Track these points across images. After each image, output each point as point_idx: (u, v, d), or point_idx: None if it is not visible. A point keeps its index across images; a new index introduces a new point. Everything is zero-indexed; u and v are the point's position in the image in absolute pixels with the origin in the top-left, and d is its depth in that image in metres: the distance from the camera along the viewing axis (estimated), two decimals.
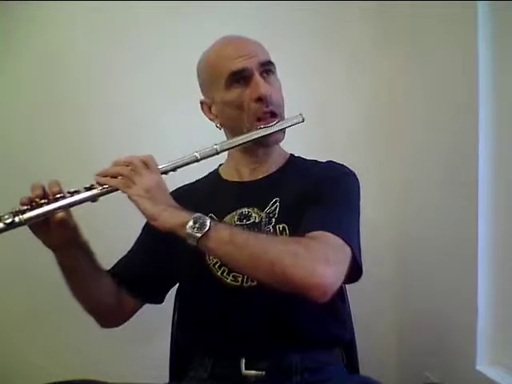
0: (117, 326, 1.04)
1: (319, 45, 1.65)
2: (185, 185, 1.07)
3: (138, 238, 1.05)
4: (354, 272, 0.86)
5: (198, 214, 0.79)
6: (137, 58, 1.59)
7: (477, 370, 1.21)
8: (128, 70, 1.59)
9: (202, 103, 1.03)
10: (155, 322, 1.20)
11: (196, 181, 1.08)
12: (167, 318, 1.14)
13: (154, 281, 1.03)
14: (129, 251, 1.06)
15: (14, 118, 1.59)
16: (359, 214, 0.95)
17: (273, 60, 0.99)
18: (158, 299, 1.07)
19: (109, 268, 1.03)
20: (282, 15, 1.63)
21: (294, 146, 1.07)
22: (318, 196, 0.91)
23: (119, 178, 0.84)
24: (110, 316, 1.01)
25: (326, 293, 0.76)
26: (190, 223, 0.78)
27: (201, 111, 1.04)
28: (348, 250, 0.83)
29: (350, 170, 1.01)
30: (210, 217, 0.93)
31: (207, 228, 0.78)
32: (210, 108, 1.02)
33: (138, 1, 1.55)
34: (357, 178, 1.00)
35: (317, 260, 0.76)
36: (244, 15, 1.60)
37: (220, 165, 1.10)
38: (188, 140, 1.54)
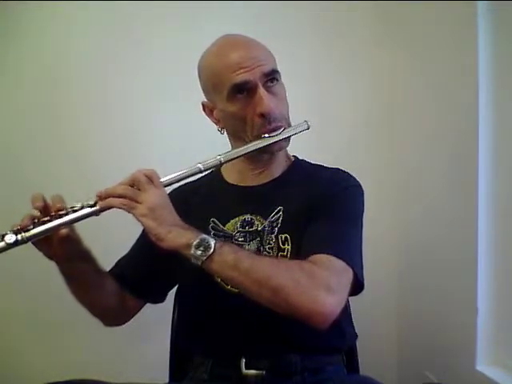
0: (121, 324, 1.04)
1: (319, 45, 1.65)
2: (185, 183, 1.05)
3: (139, 238, 1.05)
4: (356, 288, 0.88)
5: (204, 236, 0.79)
6: (137, 58, 1.59)
7: (477, 370, 1.21)
8: (128, 70, 1.59)
9: (203, 105, 1.02)
10: (155, 321, 1.20)
11: (197, 179, 1.06)
12: (167, 317, 1.14)
13: (154, 281, 1.03)
14: (129, 251, 1.06)
15: (13, 117, 1.58)
16: (362, 226, 0.95)
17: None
18: (159, 299, 1.07)
19: (109, 267, 1.03)
20: (281, 15, 1.63)
21: (295, 146, 1.07)
22: (322, 210, 0.91)
23: (122, 199, 0.83)
24: (113, 316, 1.02)
25: (327, 320, 0.78)
26: (195, 244, 0.78)
27: (202, 112, 1.02)
28: (350, 273, 0.84)
29: (355, 180, 1.00)
30: (214, 235, 0.95)
31: (212, 251, 0.78)
32: (211, 111, 1.00)
33: (138, 1, 1.55)
34: (362, 190, 0.99)
35: (319, 288, 0.78)
36: (244, 15, 1.59)
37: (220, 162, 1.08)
38: (187, 141, 1.56)
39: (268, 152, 0.96)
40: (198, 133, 1.35)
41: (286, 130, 0.93)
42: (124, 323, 1.04)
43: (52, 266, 0.89)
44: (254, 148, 0.93)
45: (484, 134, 1.19)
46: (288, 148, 1.05)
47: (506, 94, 1.16)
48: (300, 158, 1.09)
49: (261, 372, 0.91)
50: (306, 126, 0.96)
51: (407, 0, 1.51)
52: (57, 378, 0.84)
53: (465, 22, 1.22)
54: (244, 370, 0.92)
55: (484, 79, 1.17)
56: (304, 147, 1.10)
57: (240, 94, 0.91)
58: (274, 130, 0.92)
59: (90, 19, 1.58)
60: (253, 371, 0.91)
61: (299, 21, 1.64)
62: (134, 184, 0.84)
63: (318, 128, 1.58)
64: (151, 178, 0.85)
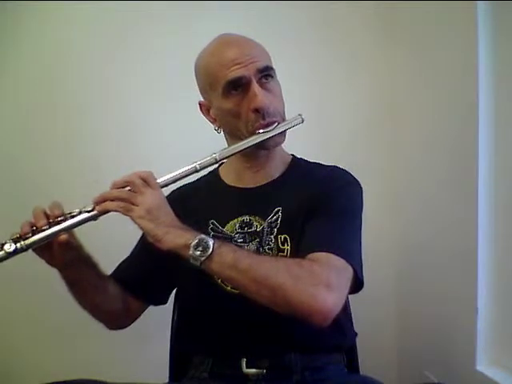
0: (124, 327, 1.05)
1: (319, 44, 1.65)
2: (184, 185, 1.06)
3: (138, 241, 1.05)
4: (355, 285, 0.88)
5: (202, 236, 0.79)
6: (136, 58, 1.59)
7: (477, 370, 1.21)
8: (127, 70, 1.59)
9: (200, 105, 1.02)
10: (155, 322, 1.20)
11: (196, 180, 1.07)
12: (167, 318, 1.14)
13: (155, 283, 1.03)
14: (130, 254, 1.07)
15: (13, 118, 1.58)
16: (361, 223, 0.95)
17: (273, 60, 0.98)
18: (162, 300, 1.07)
19: (110, 271, 1.03)
20: (281, 15, 1.63)
21: (295, 147, 1.07)
22: (321, 208, 0.91)
23: (119, 202, 0.83)
24: (117, 319, 1.02)
25: (327, 318, 0.78)
26: (194, 245, 0.78)
27: (199, 112, 1.03)
28: (350, 270, 0.84)
29: (353, 177, 1.00)
30: (213, 236, 0.94)
31: (210, 251, 0.78)
32: (208, 110, 1.00)
33: (138, 1, 1.55)
34: (360, 187, 0.99)
35: (318, 285, 0.77)
36: (244, 15, 1.59)
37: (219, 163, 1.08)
38: (188, 140, 1.56)
39: (264, 148, 0.96)
40: (197, 132, 1.35)
41: (280, 125, 0.93)
42: (127, 326, 1.05)
43: (52, 267, 0.89)
44: (249, 144, 0.92)
45: (484, 134, 1.18)
46: (288, 147, 1.05)
47: (506, 93, 1.16)
48: (298, 156, 1.09)
49: (261, 371, 0.91)
50: (300, 120, 0.95)
51: (407, 0, 1.51)
52: (57, 377, 0.84)
53: (465, 22, 1.22)
54: (245, 369, 0.92)
55: (484, 79, 1.17)
56: (304, 147, 1.11)
57: (235, 90, 0.91)
58: (269, 125, 0.92)
59: (90, 19, 1.58)
60: (253, 370, 0.92)
61: (299, 21, 1.64)
62: (130, 186, 0.84)
63: (318, 128, 1.60)
64: (147, 180, 0.85)
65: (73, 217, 0.83)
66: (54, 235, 0.82)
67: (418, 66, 1.51)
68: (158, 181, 0.87)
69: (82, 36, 1.57)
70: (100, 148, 1.59)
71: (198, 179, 1.08)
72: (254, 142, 0.92)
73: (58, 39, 1.58)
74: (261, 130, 0.92)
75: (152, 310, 1.08)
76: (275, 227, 0.95)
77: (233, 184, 1.04)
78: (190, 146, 1.47)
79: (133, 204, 0.82)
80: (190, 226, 0.84)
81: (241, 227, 0.97)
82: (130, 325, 1.05)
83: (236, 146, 0.93)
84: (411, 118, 1.59)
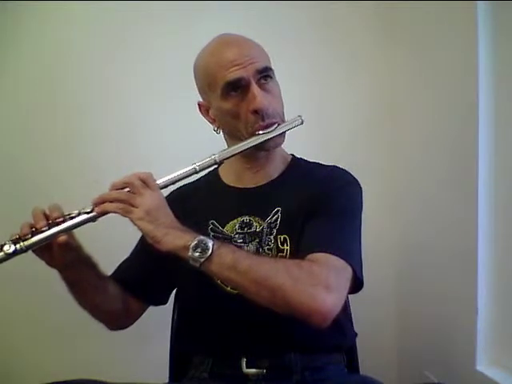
0: (125, 327, 1.05)
1: (319, 45, 1.65)
2: (184, 185, 1.05)
3: (138, 241, 1.05)
4: (355, 286, 0.88)
5: (201, 237, 0.79)
6: (136, 58, 1.59)
7: (477, 370, 1.21)
8: (127, 70, 1.59)
9: (199, 105, 1.02)
10: (155, 322, 1.20)
11: (195, 180, 1.06)
12: (167, 318, 1.14)
13: (156, 283, 1.03)
14: (130, 254, 1.07)
15: (13, 118, 1.58)
16: (361, 223, 0.95)
17: (273, 60, 0.98)
18: (162, 301, 1.07)
19: (110, 272, 1.03)
20: (281, 15, 1.63)
21: (294, 147, 1.07)
22: (320, 208, 0.91)
23: (118, 203, 0.83)
24: (117, 320, 1.02)
25: (327, 318, 0.78)
26: (193, 246, 0.78)
27: (198, 112, 1.03)
28: (349, 270, 0.84)
29: (353, 177, 1.00)
30: (213, 236, 0.95)
31: (210, 252, 0.78)
32: (207, 111, 1.00)
33: (138, 1, 1.55)
34: (360, 187, 0.99)
35: (318, 286, 0.77)
36: (244, 15, 1.59)
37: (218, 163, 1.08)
38: (188, 141, 1.56)
39: (263, 149, 0.96)
40: (197, 133, 1.35)
41: (279, 126, 0.93)
42: (128, 326, 1.05)
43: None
44: (249, 145, 0.92)
45: (484, 134, 1.18)
46: (288, 147, 1.05)
47: (506, 93, 1.16)
48: (298, 156, 1.09)
49: (261, 371, 0.92)
50: (299, 121, 0.95)
51: (407, 0, 1.51)
52: (57, 377, 0.84)
53: (465, 22, 1.22)
54: (245, 369, 0.92)
55: (484, 79, 1.17)
56: (304, 147, 1.10)
57: (234, 91, 0.91)
58: (268, 126, 0.92)
59: (90, 19, 1.58)
60: (253, 370, 0.92)
61: (299, 21, 1.64)
62: (129, 187, 0.84)
63: (318, 128, 1.60)
64: (146, 181, 0.85)
65: (72, 218, 0.84)
66: (54, 236, 0.82)
67: (418, 66, 1.51)
68: (158, 182, 0.87)
69: (82, 36, 1.57)
70: (100, 148, 1.58)
71: (197, 179, 1.07)
72: (254, 144, 0.92)
73: (58, 39, 1.58)
74: (260, 132, 0.91)
75: (152, 310, 1.08)
76: (275, 227, 0.95)
77: (232, 184, 1.04)
78: (189, 146, 1.48)
79: (132, 205, 0.82)
80: (190, 227, 0.84)
81: (241, 227, 0.97)
82: (130, 325, 1.05)
83: (235, 147, 0.93)
84: (411, 118, 1.59)
